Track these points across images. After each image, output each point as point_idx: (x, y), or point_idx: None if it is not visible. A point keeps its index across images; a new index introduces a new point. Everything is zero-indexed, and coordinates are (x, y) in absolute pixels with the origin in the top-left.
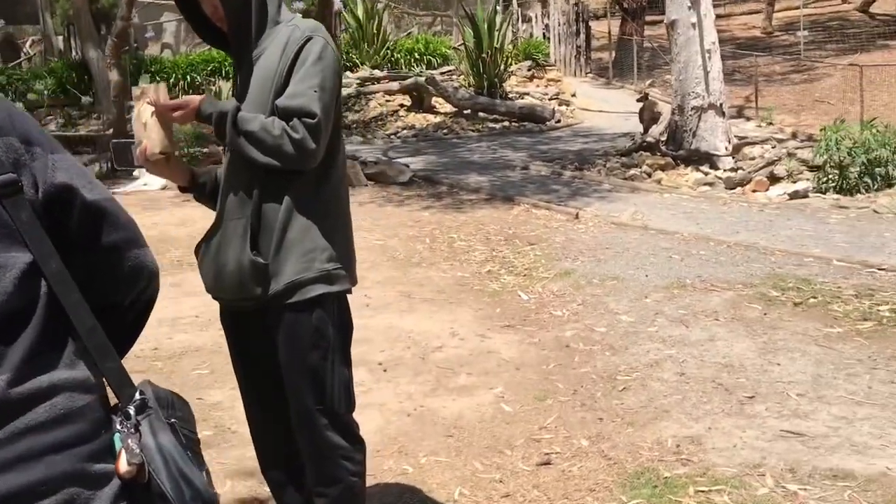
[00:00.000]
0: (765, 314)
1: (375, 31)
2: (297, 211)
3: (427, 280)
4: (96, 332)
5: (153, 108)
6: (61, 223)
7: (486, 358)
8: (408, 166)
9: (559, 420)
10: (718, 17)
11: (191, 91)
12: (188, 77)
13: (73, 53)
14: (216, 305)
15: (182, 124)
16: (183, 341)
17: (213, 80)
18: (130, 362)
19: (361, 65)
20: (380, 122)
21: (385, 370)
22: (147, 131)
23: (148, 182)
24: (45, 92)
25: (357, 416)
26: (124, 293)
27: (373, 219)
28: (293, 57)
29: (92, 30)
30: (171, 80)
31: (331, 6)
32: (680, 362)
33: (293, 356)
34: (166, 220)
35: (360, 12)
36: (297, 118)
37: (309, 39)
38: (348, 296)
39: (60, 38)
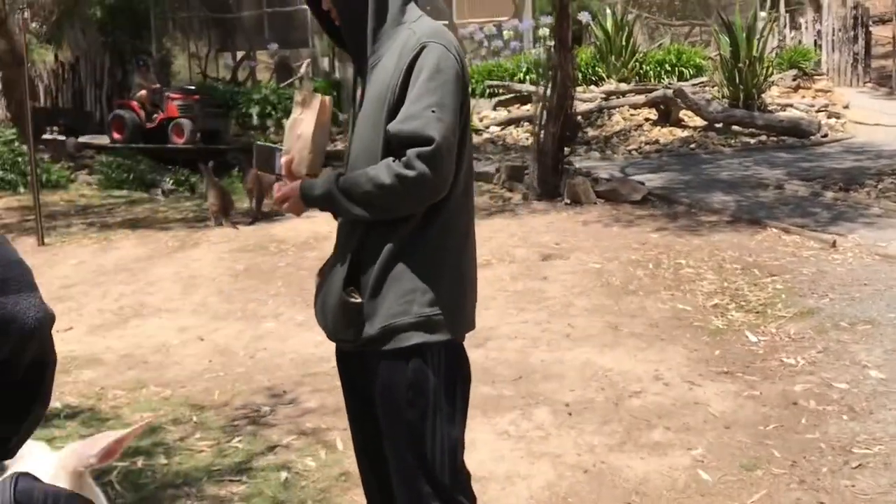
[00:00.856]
0: None
1: (624, 44)
2: (401, 246)
3: (640, 311)
4: None
5: (313, 123)
6: None
7: (691, 410)
8: (643, 184)
9: (767, 498)
10: None
11: None
12: None
13: (336, 73)
14: None
15: (295, 214)
16: None
17: None
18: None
19: (607, 78)
20: (622, 137)
21: (570, 413)
22: (299, 145)
23: None
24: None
25: (528, 465)
26: None
27: (595, 240)
28: (405, 69)
29: None
30: None
31: (567, 18)
32: None
33: (389, 411)
34: None
35: (608, 24)
36: (411, 147)
37: (423, 48)
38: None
39: (326, 59)
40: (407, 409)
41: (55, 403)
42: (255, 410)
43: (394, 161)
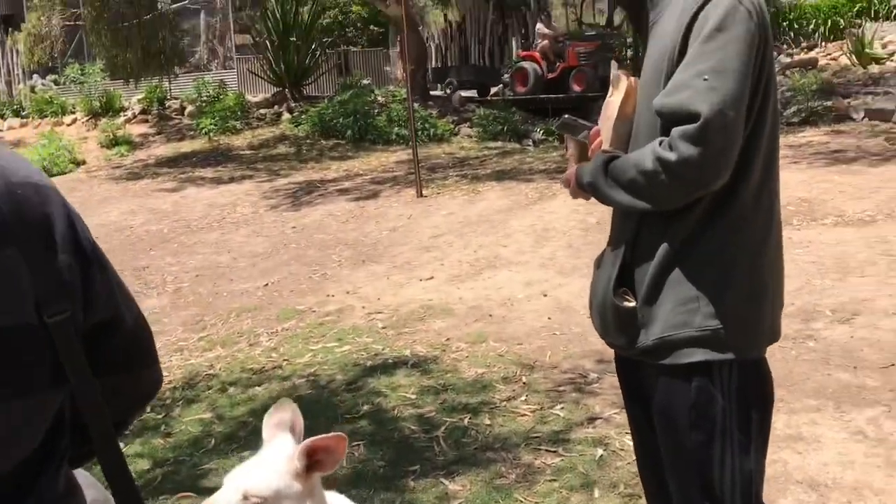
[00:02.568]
0: None
1: None
2: (681, 244)
3: None
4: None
5: (616, 107)
6: (101, 347)
7: None
8: None
9: None
10: None
11: (832, 37)
12: (829, 21)
13: None
14: None
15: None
16: None
17: (859, 21)
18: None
19: None
20: None
21: None
22: (604, 125)
23: None
24: None
25: (885, 476)
26: (138, 410)
27: None
28: (684, 31)
29: None
30: (811, 27)
31: None
32: None
33: (669, 432)
34: None
35: None
36: (677, 124)
37: (706, 3)
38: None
39: None
40: (689, 432)
41: (405, 352)
42: (583, 376)
43: (660, 143)
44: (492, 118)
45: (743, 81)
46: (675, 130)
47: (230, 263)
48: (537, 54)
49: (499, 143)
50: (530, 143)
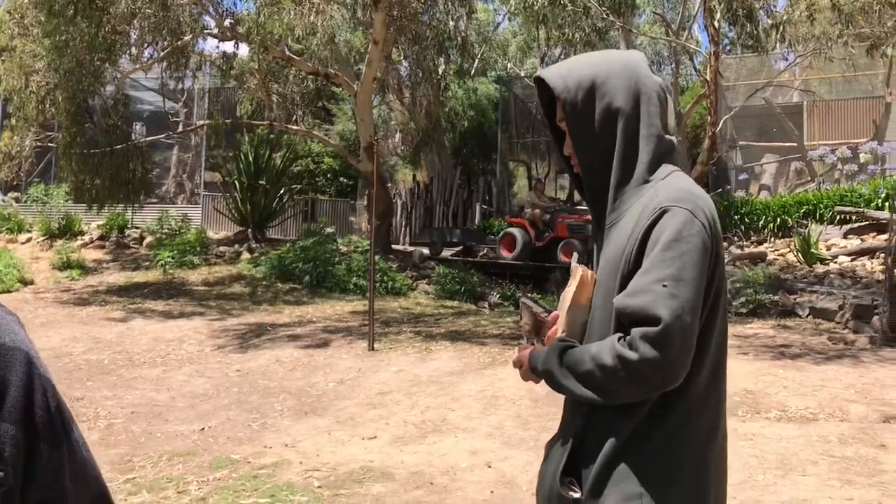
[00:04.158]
0: None
1: None
2: (629, 439)
3: None
4: None
5: (570, 298)
6: None
7: None
8: None
9: None
10: None
11: (780, 234)
12: (777, 219)
13: None
14: None
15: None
16: None
17: (805, 222)
18: None
19: None
20: None
21: None
22: (561, 313)
23: None
24: None
25: None
26: None
27: None
28: (641, 236)
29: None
30: (762, 223)
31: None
32: None
33: None
34: None
35: None
36: (637, 325)
37: (664, 213)
38: None
39: None
40: None
41: None
42: None
43: (619, 340)
44: (450, 277)
45: (698, 290)
46: (637, 331)
47: (168, 402)
48: (526, 222)
49: (455, 303)
50: (486, 305)
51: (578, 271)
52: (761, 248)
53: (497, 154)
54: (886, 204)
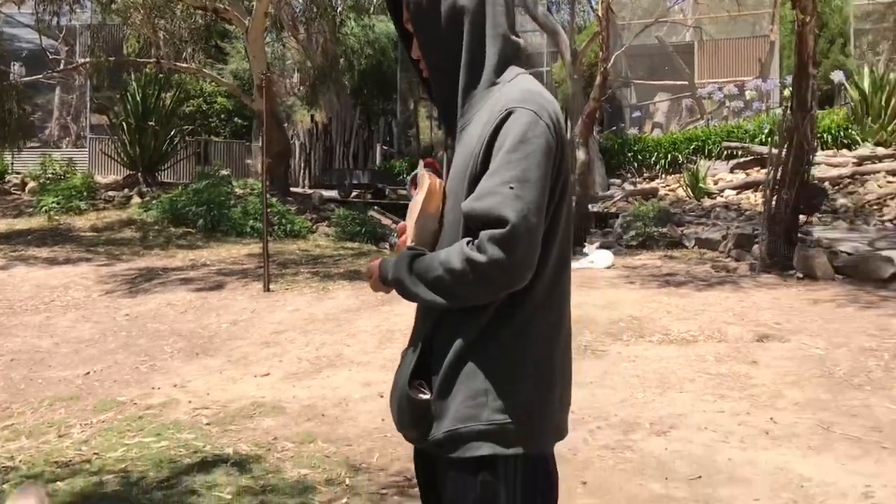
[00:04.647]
0: None
1: (883, 104)
2: (475, 339)
3: (863, 410)
4: None
5: (418, 208)
6: None
7: None
8: (892, 261)
9: None
10: None
11: (671, 170)
12: (668, 156)
13: (567, 134)
14: (600, 404)
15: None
16: None
17: (695, 158)
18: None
19: (862, 142)
20: (876, 207)
21: None
22: (409, 222)
23: (595, 260)
24: None
25: None
26: None
27: (824, 322)
28: (488, 139)
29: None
30: (654, 159)
31: (808, 77)
32: None
33: None
34: (594, 300)
35: (865, 83)
36: (485, 228)
37: (509, 114)
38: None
39: None
40: None
41: (227, 450)
42: (409, 479)
43: (467, 243)
44: (350, 219)
45: (543, 190)
46: (484, 234)
47: (51, 349)
48: (437, 163)
49: (356, 244)
50: (387, 246)
51: (426, 179)
52: (653, 184)
53: (397, 94)
54: (769, 139)
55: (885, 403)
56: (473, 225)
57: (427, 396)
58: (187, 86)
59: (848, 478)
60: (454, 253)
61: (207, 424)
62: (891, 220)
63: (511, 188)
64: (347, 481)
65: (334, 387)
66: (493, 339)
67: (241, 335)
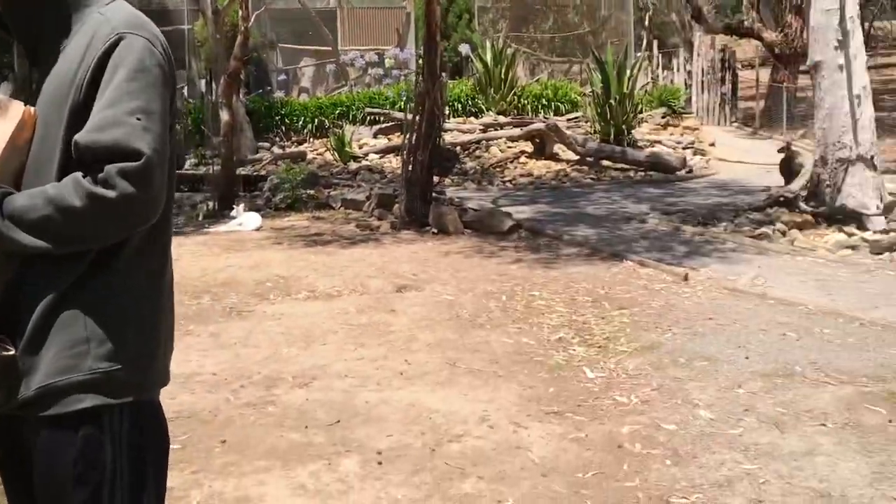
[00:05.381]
0: (890, 421)
1: (503, 77)
2: (72, 286)
3: (484, 346)
4: None
5: (6, 138)
6: None
7: (511, 456)
8: (510, 215)
9: None
10: (882, 66)
11: (318, 134)
12: (315, 120)
13: (212, 96)
14: (244, 363)
15: None
16: (183, 404)
17: (340, 123)
18: None
19: (487, 110)
20: (498, 169)
21: (380, 462)
22: None
23: (243, 223)
24: (182, 133)
25: None
26: None
27: (453, 271)
28: (96, 64)
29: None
30: (301, 123)
31: (436, 46)
32: (759, 484)
33: (50, 494)
34: (241, 262)
35: (488, 57)
36: (112, 162)
37: (120, 40)
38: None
39: (203, 81)
40: (74, 489)
41: None
42: None
43: (85, 178)
44: None
45: (164, 122)
46: (113, 167)
47: None
48: None
49: None
50: None
51: (12, 107)
52: (302, 148)
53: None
54: (406, 106)
55: (501, 339)
56: (93, 158)
57: (12, 352)
58: None
59: (469, 406)
60: (68, 189)
61: None
62: (510, 181)
63: (139, 119)
64: None
65: None
66: (92, 287)
67: None
